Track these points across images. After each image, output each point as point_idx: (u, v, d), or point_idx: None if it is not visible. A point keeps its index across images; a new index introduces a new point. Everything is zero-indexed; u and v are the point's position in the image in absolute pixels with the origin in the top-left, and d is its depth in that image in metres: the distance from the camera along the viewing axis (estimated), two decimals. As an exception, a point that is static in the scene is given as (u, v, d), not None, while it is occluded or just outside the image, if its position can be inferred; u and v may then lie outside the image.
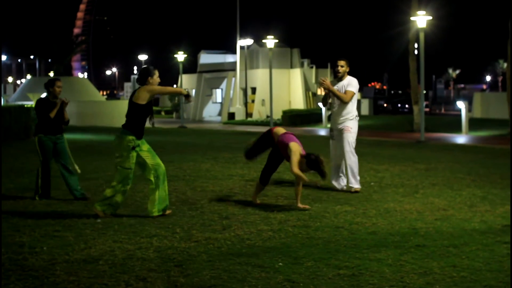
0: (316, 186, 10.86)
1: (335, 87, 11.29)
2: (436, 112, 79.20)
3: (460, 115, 33.16)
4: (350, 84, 11.28)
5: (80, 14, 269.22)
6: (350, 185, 11.23)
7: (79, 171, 10.74)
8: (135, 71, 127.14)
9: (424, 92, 29.31)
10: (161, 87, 9.11)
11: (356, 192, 11.07)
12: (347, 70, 11.35)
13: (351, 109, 11.33)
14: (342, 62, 11.30)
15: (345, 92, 11.25)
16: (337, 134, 11.49)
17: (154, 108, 65.90)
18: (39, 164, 10.48)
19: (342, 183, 11.46)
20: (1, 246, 7.14)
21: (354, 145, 11.38)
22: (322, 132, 34.12)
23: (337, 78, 11.37)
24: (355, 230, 8.15)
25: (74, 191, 10.50)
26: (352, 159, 11.25)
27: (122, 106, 44.51)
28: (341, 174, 11.48)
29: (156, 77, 9.00)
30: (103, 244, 7.26)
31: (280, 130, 10.10)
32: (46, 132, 10.44)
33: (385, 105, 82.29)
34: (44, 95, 10.75)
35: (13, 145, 20.59)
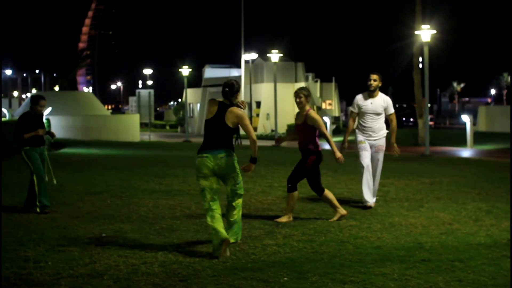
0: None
1: (368, 102, 11.10)
2: (440, 125, 79.15)
3: (464, 129, 33.10)
4: (389, 105, 11.21)
5: (85, 29, 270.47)
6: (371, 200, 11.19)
7: (55, 182, 11.09)
8: (140, 85, 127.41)
9: (429, 105, 29.28)
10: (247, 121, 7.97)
11: (370, 208, 11.05)
12: (380, 84, 11.12)
13: (384, 126, 11.31)
14: (375, 76, 11.07)
15: (391, 117, 11.24)
16: (371, 149, 11.25)
17: (159, 122, 65.69)
18: (31, 175, 10.70)
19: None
20: (0, 259, 7.14)
21: None
22: (327, 146, 34.06)
23: (368, 92, 11.12)
24: (360, 244, 8.13)
25: (42, 198, 10.54)
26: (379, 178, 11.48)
27: (126, 121, 44.65)
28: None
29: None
30: (108, 259, 7.26)
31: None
32: (31, 145, 10.67)
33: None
34: (20, 110, 11.01)
35: (17, 159, 20.59)
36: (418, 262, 7.14)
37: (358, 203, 11.28)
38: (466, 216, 10.19)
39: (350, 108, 11.57)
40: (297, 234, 8.74)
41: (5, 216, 10.05)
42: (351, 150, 12.42)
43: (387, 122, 11.41)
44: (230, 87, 7.89)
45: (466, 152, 28.12)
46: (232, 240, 7.71)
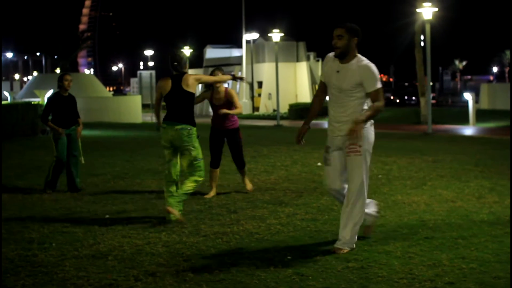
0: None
1: (334, 70, 6.73)
2: (443, 103, 79.02)
3: (467, 107, 33.06)
4: (369, 77, 6.61)
5: (85, 10, 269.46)
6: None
7: (83, 161, 11.07)
8: (141, 67, 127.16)
9: (431, 84, 29.24)
10: (207, 76, 8.99)
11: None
12: (351, 43, 6.59)
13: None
14: (339, 31, 6.59)
15: (373, 95, 6.62)
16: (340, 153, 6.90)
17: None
18: (53, 160, 10.78)
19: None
20: (0, 241, 7.17)
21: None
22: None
23: (336, 55, 6.67)
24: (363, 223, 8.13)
25: (75, 178, 10.74)
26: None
27: (128, 102, 44.58)
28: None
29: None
30: (111, 240, 7.28)
31: None
32: (59, 126, 10.67)
33: (392, 97, 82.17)
34: (50, 92, 11.01)
35: (20, 141, 20.64)
36: (421, 240, 7.16)
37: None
38: (469, 193, 10.20)
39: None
40: (300, 213, 8.76)
41: (9, 198, 10.08)
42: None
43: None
44: (179, 61, 8.43)
45: (468, 130, 28.09)
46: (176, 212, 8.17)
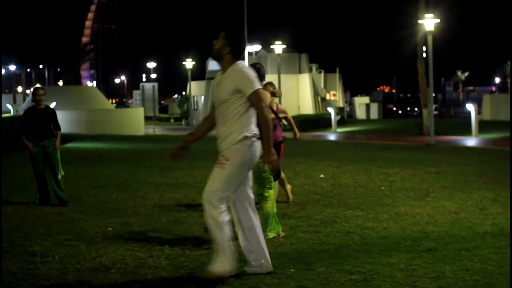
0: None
1: (217, 86, 6.29)
2: (445, 115, 79.00)
3: (469, 118, 33.05)
4: (245, 81, 6.08)
5: (88, 23, 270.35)
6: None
7: (62, 173, 10.99)
8: (144, 79, 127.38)
9: (433, 95, 29.23)
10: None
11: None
12: (225, 51, 6.20)
13: (237, 129, 6.12)
14: (221, 33, 6.30)
15: (252, 99, 6.04)
16: None
17: (163, 115, 65.53)
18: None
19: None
20: (1, 254, 7.16)
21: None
22: (332, 137, 34.10)
23: (212, 55, 6.32)
24: (367, 235, 8.13)
25: (58, 191, 10.76)
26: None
27: (131, 114, 44.64)
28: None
29: None
30: (114, 253, 7.27)
31: None
32: (32, 140, 10.73)
33: (394, 108, 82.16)
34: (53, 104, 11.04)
35: (22, 154, 20.61)
36: (424, 252, 7.14)
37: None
38: (472, 205, 10.18)
39: None
40: (303, 225, 8.74)
41: (11, 211, 10.08)
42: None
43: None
44: (257, 71, 7.56)
45: (471, 141, 28.07)
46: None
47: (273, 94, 9.23)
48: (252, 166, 6.19)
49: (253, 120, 6.14)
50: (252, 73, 6.10)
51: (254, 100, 6.02)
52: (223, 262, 6.08)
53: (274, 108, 9.45)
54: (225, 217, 6.07)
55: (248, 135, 6.06)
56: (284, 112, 10.11)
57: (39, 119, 10.79)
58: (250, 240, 6.27)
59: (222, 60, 6.22)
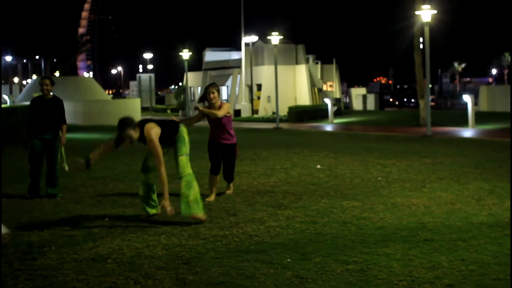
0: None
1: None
2: (442, 106, 79.05)
3: (466, 109, 33.05)
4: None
5: (84, 14, 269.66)
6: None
7: (67, 168, 10.93)
8: (140, 70, 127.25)
9: (430, 86, 29.22)
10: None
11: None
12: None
13: None
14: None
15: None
16: None
17: (160, 106, 65.36)
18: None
19: None
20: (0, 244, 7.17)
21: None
22: (329, 127, 34.10)
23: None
24: (363, 225, 8.15)
25: (52, 185, 10.70)
26: None
27: (127, 105, 44.59)
28: None
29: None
30: (111, 243, 7.28)
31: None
32: (33, 132, 10.69)
33: (391, 99, 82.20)
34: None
35: (19, 145, 20.57)
36: (421, 242, 7.16)
37: None
38: (469, 196, 10.21)
39: None
40: (299, 215, 8.76)
41: (8, 201, 10.08)
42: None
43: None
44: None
45: (467, 132, 28.09)
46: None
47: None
48: None
49: None
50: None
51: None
52: None
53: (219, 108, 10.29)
54: None
55: None
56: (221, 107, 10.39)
57: (45, 109, 10.67)
58: None
59: None
